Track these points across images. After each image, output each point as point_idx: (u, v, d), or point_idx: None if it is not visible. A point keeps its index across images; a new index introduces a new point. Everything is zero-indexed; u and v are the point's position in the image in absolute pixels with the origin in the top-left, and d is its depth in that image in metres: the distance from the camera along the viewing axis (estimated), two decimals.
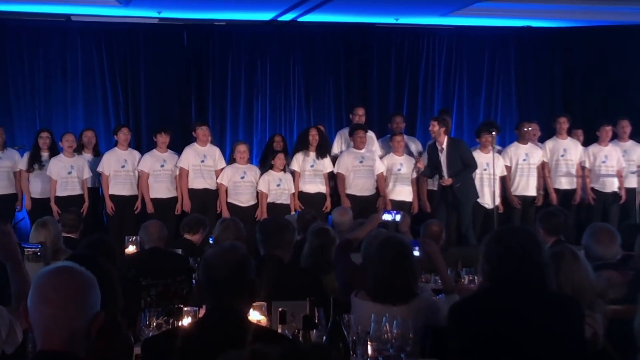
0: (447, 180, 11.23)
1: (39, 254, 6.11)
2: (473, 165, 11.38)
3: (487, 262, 3.99)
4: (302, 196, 11.66)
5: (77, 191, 11.44)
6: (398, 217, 7.53)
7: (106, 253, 5.53)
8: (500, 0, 12.87)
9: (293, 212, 11.00)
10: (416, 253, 5.30)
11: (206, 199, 11.52)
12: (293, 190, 11.60)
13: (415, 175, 11.95)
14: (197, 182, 11.53)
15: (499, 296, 3.92)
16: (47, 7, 12.99)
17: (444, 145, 11.35)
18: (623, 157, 12.30)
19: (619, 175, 12.22)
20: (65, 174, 11.37)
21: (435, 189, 11.88)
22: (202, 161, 11.56)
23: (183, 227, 8.64)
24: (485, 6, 13.14)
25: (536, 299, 3.90)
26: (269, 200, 11.46)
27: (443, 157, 11.32)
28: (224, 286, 3.60)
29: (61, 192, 11.34)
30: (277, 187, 11.49)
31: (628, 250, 6.15)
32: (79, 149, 11.66)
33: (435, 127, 11.38)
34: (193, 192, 11.50)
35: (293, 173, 11.72)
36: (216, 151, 11.77)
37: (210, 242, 8.06)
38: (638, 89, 14.23)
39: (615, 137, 12.38)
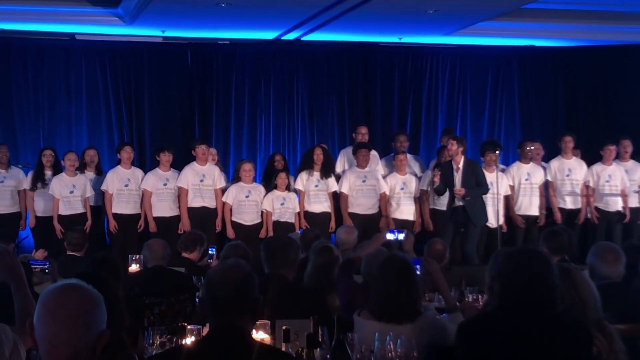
0: (461, 190, 11.14)
1: (47, 271, 6.12)
2: (486, 187, 11.34)
3: (497, 282, 3.97)
4: (307, 216, 11.66)
5: (79, 210, 11.44)
6: (401, 236, 7.51)
7: (111, 271, 5.52)
8: (503, 20, 12.90)
9: (298, 231, 10.99)
10: (417, 272, 5.29)
11: (205, 217, 11.51)
12: (297, 209, 11.61)
13: (427, 187, 11.92)
14: (195, 201, 11.53)
15: (508, 316, 3.91)
16: (51, 26, 13.04)
17: (460, 165, 11.30)
18: None
19: (623, 195, 12.21)
20: (68, 192, 11.37)
21: (438, 207, 11.86)
22: (201, 180, 11.56)
23: (180, 246, 8.63)
24: (489, 25, 13.19)
25: (545, 319, 3.89)
26: (273, 219, 11.46)
27: (458, 177, 11.25)
28: (227, 304, 3.59)
29: (64, 211, 11.34)
30: (281, 205, 11.50)
31: (630, 270, 6.14)
32: (81, 168, 11.67)
33: (453, 146, 11.33)
34: (192, 211, 11.49)
35: (297, 192, 11.72)
36: (215, 170, 11.77)
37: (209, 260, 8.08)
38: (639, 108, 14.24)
39: (617, 156, 12.39)
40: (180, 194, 11.53)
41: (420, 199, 12.04)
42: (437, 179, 11.29)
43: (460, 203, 11.20)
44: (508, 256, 4.02)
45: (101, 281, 3.58)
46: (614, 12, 13.03)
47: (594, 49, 14.71)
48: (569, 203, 12.27)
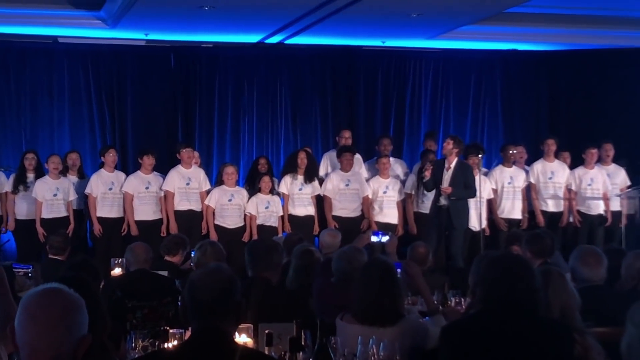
0: (447, 189, 11.15)
1: (30, 275, 6.10)
2: (474, 191, 11.35)
3: (480, 286, 4.00)
4: (291, 219, 11.67)
5: (62, 213, 11.39)
6: (384, 239, 7.52)
7: (90, 275, 5.50)
8: (486, 24, 12.94)
9: (281, 235, 10.99)
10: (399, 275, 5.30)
11: (191, 220, 11.50)
12: (281, 213, 11.61)
13: (411, 190, 11.95)
14: (182, 205, 11.51)
15: (491, 319, 3.93)
16: (33, 29, 13.00)
17: (452, 165, 11.32)
18: None
19: (605, 198, 12.27)
20: (51, 196, 11.32)
21: (422, 211, 11.89)
22: (187, 184, 11.55)
23: (162, 249, 8.61)
24: (472, 29, 13.24)
25: (527, 323, 3.91)
26: (258, 222, 11.46)
27: (448, 176, 11.27)
28: (210, 308, 3.58)
29: (46, 214, 11.29)
30: (266, 209, 11.50)
31: (612, 273, 6.17)
32: (63, 171, 11.62)
33: (449, 144, 11.35)
34: (178, 214, 11.47)
35: (281, 195, 11.72)
36: (201, 173, 11.77)
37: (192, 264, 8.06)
38: (622, 112, 14.31)
39: (598, 160, 12.44)
40: (166, 197, 11.51)
41: (404, 202, 12.06)
42: (427, 173, 11.29)
43: (445, 202, 11.22)
44: (490, 260, 4.05)
45: (82, 285, 3.57)
46: (596, 17, 13.10)
47: (576, 53, 14.78)
48: (551, 206, 12.32)
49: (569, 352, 3.95)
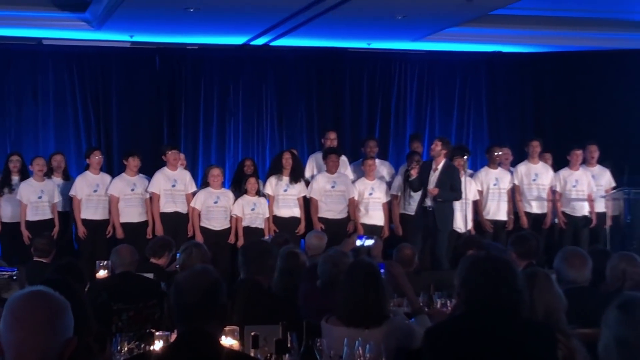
0: (434, 190, 11.16)
1: (14, 277, 6.07)
2: (459, 193, 11.37)
3: (464, 287, 4.00)
4: (276, 220, 11.67)
5: (47, 215, 11.35)
6: (367, 242, 7.53)
7: (75, 277, 5.49)
8: (472, 26, 12.97)
9: (267, 236, 10.99)
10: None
11: (177, 223, 11.48)
12: (267, 215, 11.60)
13: (397, 192, 11.97)
14: (168, 206, 11.50)
15: (474, 321, 3.94)
16: (18, 31, 12.95)
17: (440, 167, 11.33)
18: None
19: (590, 200, 12.31)
20: (36, 198, 11.28)
21: (409, 212, 11.90)
22: (173, 185, 11.53)
23: (148, 251, 8.60)
24: (457, 31, 13.26)
25: (511, 324, 3.92)
26: (244, 224, 11.45)
27: (434, 178, 11.28)
28: (195, 310, 3.58)
29: (32, 217, 11.24)
30: (252, 211, 11.49)
31: (597, 275, 6.19)
32: (48, 173, 11.58)
33: (437, 146, 11.36)
34: (164, 216, 11.45)
35: (267, 197, 11.72)
36: (187, 175, 11.76)
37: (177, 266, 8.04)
38: (606, 114, 14.38)
39: (583, 161, 12.49)
40: (152, 200, 11.49)
41: (390, 204, 12.08)
42: (414, 172, 11.31)
43: (430, 204, 11.24)
44: (473, 262, 4.05)
45: (68, 287, 3.56)
46: (581, 19, 13.15)
47: (561, 55, 14.84)
48: (535, 207, 12.36)
49: (552, 354, 3.96)
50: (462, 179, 11.59)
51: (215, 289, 3.65)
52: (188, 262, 7.03)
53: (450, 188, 11.27)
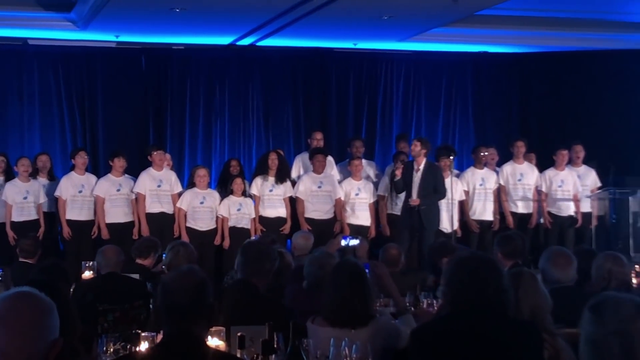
0: (415, 201, 11.21)
1: (0, 278, 6.05)
2: (443, 193, 11.40)
3: (449, 287, 4.01)
4: (262, 220, 11.66)
5: (33, 216, 11.31)
6: (352, 243, 7.53)
7: (60, 278, 5.48)
8: (458, 26, 13.00)
9: (253, 237, 10.98)
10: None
11: (163, 223, 11.46)
12: (254, 215, 11.59)
13: (384, 192, 11.98)
14: (153, 207, 11.48)
15: (460, 321, 3.94)
16: (3, 31, 12.91)
17: (421, 167, 11.36)
18: None
19: (575, 199, 12.35)
20: (21, 198, 11.24)
21: (396, 213, 11.91)
22: (159, 186, 11.52)
23: (134, 252, 8.58)
24: (443, 32, 13.29)
25: (496, 324, 3.92)
26: (230, 224, 11.44)
27: (417, 178, 11.32)
28: (184, 311, 3.57)
29: (17, 217, 11.21)
30: (238, 211, 11.48)
31: (582, 274, 6.21)
32: (33, 174, 11.54)
33: (417, 147, 11.40)
34: (150, 217, 11.43)
35: (252, 197, 11.71)
36: (172, 175, 11.74)
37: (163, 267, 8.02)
38: (592, 114, 14.43)
39: (569, 161, 12.53)
40: (138, 200, 11.47)
41: (377, 204, 12.09)
42: (398, 172, 11.34)
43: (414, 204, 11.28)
44: (457, 262, 4.06)
45: (53, 288, 3.55)
46: (567, 19, 13.19)
47: (546, 55, 14.88)
48: (521, 207, 12.39)
49: (538, 353, 3.97)
50: (448, 179, 11.63)
51: (203, 290, 3.64)
52: (175, 262, 7.01)
53: (434, 188, 11.30)
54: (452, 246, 8.98)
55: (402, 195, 11.60)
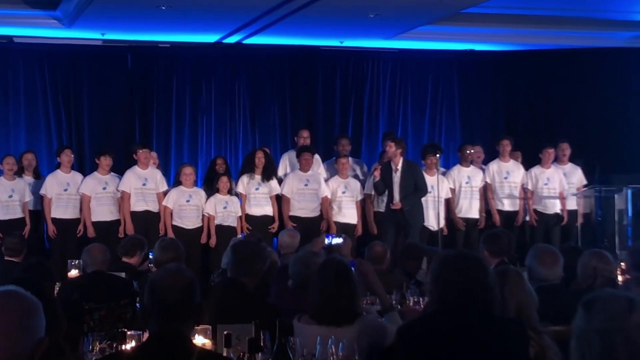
0: (397, 204, 11.26)
1: None
2: (424, 190, 11.43)
3: (435, 285, 4.01)
4: (248, 219, 11.65)
5: (18, 214, 11.28)
6: (335, 241, 7.54)
7: (45, 276, 5.46)
8: (444, 24, 13.01)
9: (239, 235, 10.97)
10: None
11: (148, 221, 11.45)
12: (240, 213, 11.58)
13: (371, 191, 11.98)
14: (138, 205, 11.46)
15: (446, 319, 3.94)
16: None
17: (399, 167, 11.39)
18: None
19: (561, 197, 12.39)
20: (7, 197, 11.21)
21: (382, 210, 11.92)
22: (144, 184, 11.50)
23: (120, 250, 8.56)
24: (429, 30, 13.30)
25: (483, 322, 3.93)
26: (216, 222, 11.43)
27: (397, 178, 11.35)
28: (172, 310, 3.56)
29: (2, 216, 11.18)
30: (224, 209, 11.47)
31: (568, 272, 6.22)
32: (19, 172, 11.50)
33: (392, 148, 11.43)
34: (135, 215, 11.42)
35: (239, 195, 11.70)
36: (157, 174, 11.73)
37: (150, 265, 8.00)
38: (578, 112, 14.46)
39: (555, 159, 12.56)
40: (123, 198, 11.45)
41: (363, 202, 12.09)
42: (377, 173, 11.38)
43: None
44: (443, 260, 4.06)
45: (38, 287, 3.54)
46: (553, 17, 13.22)
47: (533, 53, 14.91)
48: (507, 205, 12.42)
49: (524, 351, 3.98)
50: (435, 177, 11.65)
51: (191, 289, 3.64)
52: (163, 258, 7.00)
53: (415, 186, 11.32)
54: (420, 249, 8.99)
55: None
